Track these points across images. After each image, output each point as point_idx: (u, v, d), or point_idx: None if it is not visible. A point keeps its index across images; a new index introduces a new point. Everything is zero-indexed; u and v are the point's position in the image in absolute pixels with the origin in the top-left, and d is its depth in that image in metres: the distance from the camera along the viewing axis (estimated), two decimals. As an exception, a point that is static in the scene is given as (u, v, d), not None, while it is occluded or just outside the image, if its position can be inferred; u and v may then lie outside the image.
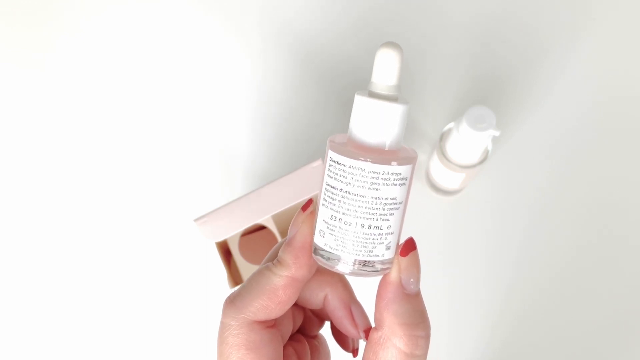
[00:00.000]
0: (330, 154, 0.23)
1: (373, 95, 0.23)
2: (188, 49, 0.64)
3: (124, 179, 0.60)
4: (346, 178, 0.23)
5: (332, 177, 0.23)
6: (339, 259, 0.23)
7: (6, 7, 0.65)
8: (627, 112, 0.61)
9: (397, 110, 0.23)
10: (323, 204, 0.24)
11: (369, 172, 0.22)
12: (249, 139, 0.61)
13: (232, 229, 0.44)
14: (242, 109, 0.62)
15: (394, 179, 0.23)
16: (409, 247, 0.24)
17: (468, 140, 0.48)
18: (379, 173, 0.22)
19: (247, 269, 0.47)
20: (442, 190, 0.57)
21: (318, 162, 0.45)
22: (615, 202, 0.58)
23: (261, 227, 0.51)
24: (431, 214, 0.57)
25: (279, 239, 0.48)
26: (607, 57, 0.62)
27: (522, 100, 0.61)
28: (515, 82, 0.61)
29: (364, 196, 0.22)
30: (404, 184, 0.23)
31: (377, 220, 0.23)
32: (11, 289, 0.58)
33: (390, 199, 0.23)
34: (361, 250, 0.23)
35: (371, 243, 0.23)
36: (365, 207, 0.23)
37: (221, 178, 0.60)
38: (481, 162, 0.51)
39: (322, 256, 0.24)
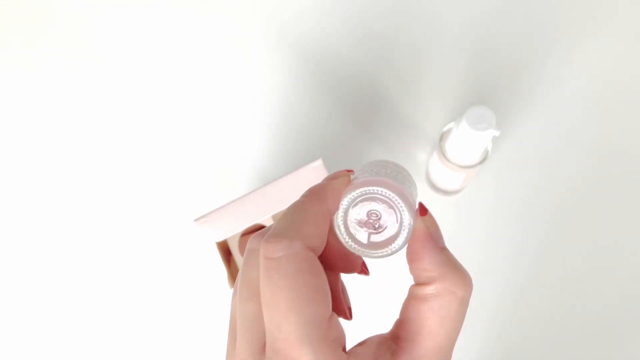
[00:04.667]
0: None
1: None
2: (190, 50, 0.64)
3: (125, 179, 0.60)
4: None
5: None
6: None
7: (7, 9, 0.65)
8: (628, 111, 0.61)
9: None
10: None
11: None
12: (249, 139, 0.61)
13: (232, 229, 0.44)
14: (244, 109, 0.62)
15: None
16: (424, 209, 0.25)
17: (468, 140, 0.48)
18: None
19: (247, 268, 0.47)
20: (442, 190, 0.57)
21: (318, 162, 0.45)
22: (616, 202, 0.58)
23: (261, 227, 0.51)
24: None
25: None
26: (608, 56, 0.62)
27: (522, 100, 0.61)
28: (515, 82, 0.62)
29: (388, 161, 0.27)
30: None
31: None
32: (12, 290, 0.58)
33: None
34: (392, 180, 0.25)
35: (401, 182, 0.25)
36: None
37: (222, 178, 0.60)
38: (481, 162, 0.51)
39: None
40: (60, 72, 0.63)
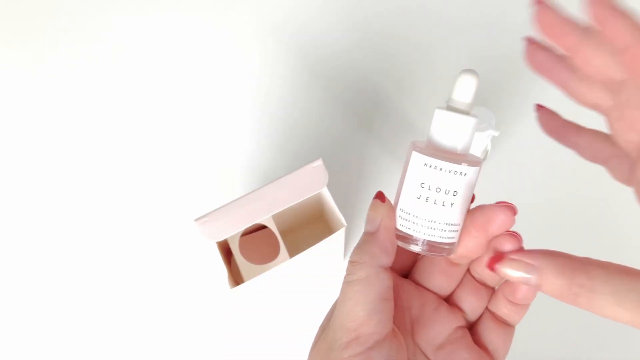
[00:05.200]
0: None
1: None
2: (190, 50, 0.64)
3: (125, 180, 0.60)
4: None
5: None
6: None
7: (7, 9, 0.65)
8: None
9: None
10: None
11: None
12: (250, 139, 0.61)
13: (232, 229, 0.44)
14: (243, 109, 0.62)
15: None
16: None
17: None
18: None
19: (247, 268, 0.47)
20: (441, 190, 0.57)
21: (318, 162, 0.45)
22: (614, 202, 0.58)
23: (261, 227, 0.51)
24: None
25: (279, 238, 0.48)
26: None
27: (521, 101, 0.61)
28: (514, 82, 0.62)
29: None
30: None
31: None
32: (12, 289, 0.58)
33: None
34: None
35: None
36: None
37: (222, 178, 0.60)
38: (480, 162, 0.51)
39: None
40: (60, 72, 0.63)
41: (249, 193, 0.45)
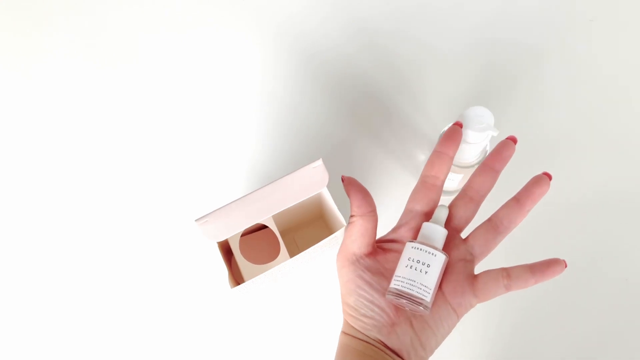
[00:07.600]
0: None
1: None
2: (190, 50, 0.64)
3: (126, 180, 0.61)
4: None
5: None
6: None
7: (7, 9, 0.65)
8: (627, 112, 0.61)
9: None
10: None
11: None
12: (250, 140, 0.61)
13: (233, 229, 0.45)
14: (244, 109, 0.62)
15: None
16: None
17: (466, 141, 0.48)
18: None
19: (247, 268, 0.48)
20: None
21: (319, 163, 0.45)
22: (614, 202, 0.59)
23: (262, 227, 0.51)
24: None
25: (280, 238, 0.48)
26: (605, 57, 0.63)
27: (520, 101, 0.61)
28: (514, 82, 0.62)
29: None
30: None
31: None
32: (12, 290, 0.58)
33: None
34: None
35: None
36: None
37: (222, 178, 0.60)
38: (480, 162, 0.51)
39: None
40: (59, 73, 0.63)
41: (249, 193, 0.45)
